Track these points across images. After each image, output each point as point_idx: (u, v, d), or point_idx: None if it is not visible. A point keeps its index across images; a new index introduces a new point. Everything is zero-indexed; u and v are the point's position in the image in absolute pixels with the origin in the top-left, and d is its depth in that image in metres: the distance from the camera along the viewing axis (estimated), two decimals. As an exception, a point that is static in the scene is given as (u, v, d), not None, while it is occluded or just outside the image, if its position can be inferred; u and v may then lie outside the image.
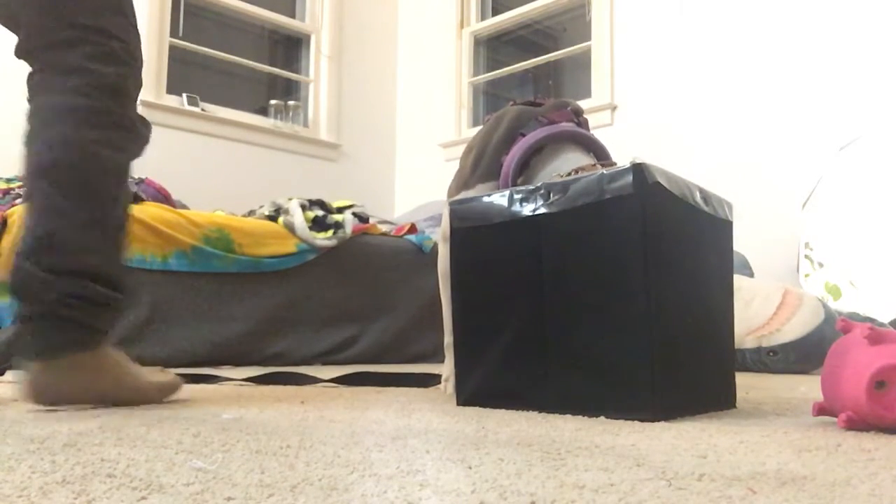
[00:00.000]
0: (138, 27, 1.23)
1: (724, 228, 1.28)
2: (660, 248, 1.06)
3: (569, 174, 1.26)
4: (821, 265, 2.85)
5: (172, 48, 3.96)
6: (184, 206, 2.88)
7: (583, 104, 3.81)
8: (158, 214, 2.39)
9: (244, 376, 1.76)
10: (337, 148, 4.63)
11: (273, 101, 4.42)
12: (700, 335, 1.17)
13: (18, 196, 2.50)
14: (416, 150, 4.83)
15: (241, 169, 4.16)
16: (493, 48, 4.76)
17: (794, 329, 2.41)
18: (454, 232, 1.28)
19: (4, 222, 2.24)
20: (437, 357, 2.85)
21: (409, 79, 4.94)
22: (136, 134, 1.20)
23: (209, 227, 2.47)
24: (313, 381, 1.67)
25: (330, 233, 2.75)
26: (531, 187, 1.17)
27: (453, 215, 1.28)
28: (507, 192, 1.20)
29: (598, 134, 3.58)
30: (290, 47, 4.73)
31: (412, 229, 3.16)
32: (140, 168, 3.59)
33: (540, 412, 1.13)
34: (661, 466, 0.69)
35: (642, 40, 3.73)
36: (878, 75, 2.96)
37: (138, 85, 1.21)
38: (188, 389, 1.50)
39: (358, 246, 2.81)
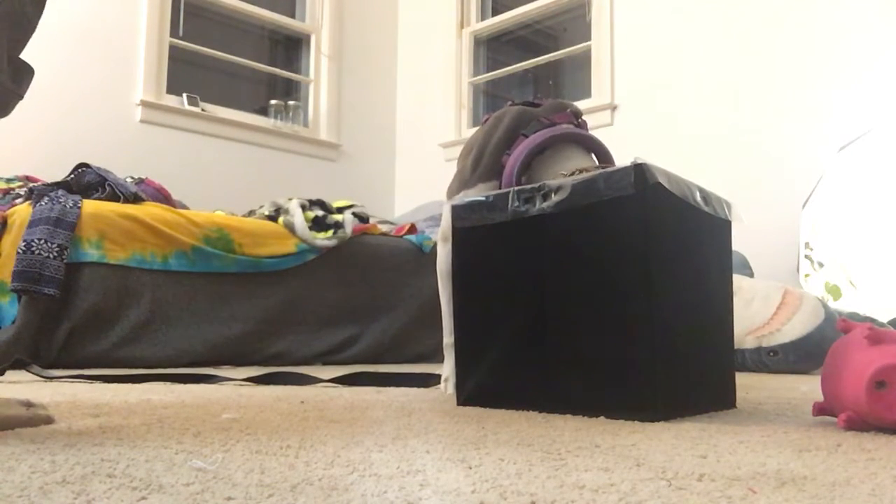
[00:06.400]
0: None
1: (723, 228, 1.28)
2: (660, 248, 1.06)
3: (572, 174, 1.26)
4: (821, 265, 2.85)
5: (172, 48, 3.96)
6: (184, 206, 2.88)
7: (583, 104, 3.81)
8: (158, 214, 2.39)
9: (244, 376, 1.76)
10: (337, 148, 4.63)
11: (273, 101, 4.42)
12: (700, 335, 1.17)
13: (18, 196, 2.50)
14: (416, 150, 4.82)
15: (241, 169, 4.16)
16: (493, 48, 4.76)
17: (794, 329, 2.41)
18: (455, 232, 1.28)
19: (4, 222, 2.24)
20: (437, 357, 2.85)
21: (409, 79, 4.94)
22: None
23: (209, 227, 2.47)
24: (313, 381, 1.67)
25: (330, 233, 2.75)
26: (532, 186, 1.17)
27: (454, 215, 1.27)
28: (508, 192, 1.20)
29: (598, 134, 3.58)
30: (290, 47, 4.73)
31: (412, 229, 3.16)
32: (140, 168, 3.60)
33: (540, 412, 1.13)
34: (661, 466, 0.69)
35: (642, 40, 3.73)
36: (877, 75, 2.96)
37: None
38: (188, 389, 1.50)
39: (358, 246, 2.81)
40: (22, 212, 2.23)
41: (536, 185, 1.17)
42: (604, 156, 1.43)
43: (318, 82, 4.62)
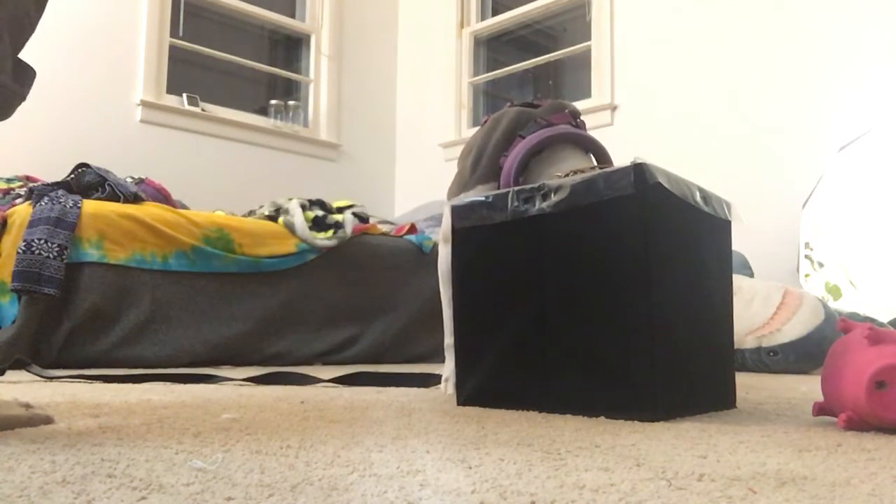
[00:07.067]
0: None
1: (723, 228, 1.28)
2: (660, 248, 1.06)
3: (567, 175, 1.26)
4: (821, 265, 2.85)
5: (172, 48, 3.96)
6: (184, 206, 2.88)
7: (583, 104, 3.81)
8: (158, 214, 2.39)
9: (244, 376, 1.76)
10: (337, 148, 4.63)
11: (273, 101, 4.42)
12: (700, 335, 1.17)
13: (18, 196, 2.50)
14: (416, 150, 4.82)
15: (241, 169, 4.16)
16: (493, 48, 4.76)
17: (794, 329, 2.41)
18: (455, 232, 1.28)
19: (4, 222, 2.24)
20: (437, 357, 2.85)
21: (409, 79, 4.94)
22: None
23: (209, 227, 2.47)
24: (313, 381, 1.67)
25: (330, 233, 2.75)
26: (532, 187, 1.17)
27: (454, 215, 1.28)
28: (507, 193, 1.20)
29: (598, 134, 3.59)
30: (290, 47, 4.73)
31: (412, 229, 3.16)
32: (140, 168, 3.60)
33: (540, 412, 1.13)
34: (661, 466, 0.69)
35: (642, 40, 3.73)
36: (877, 75, 2.96)
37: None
38: (188, 389, 1.50)
39: (358, 246, 2.81)
40: (22, 212, 2.23)
41: (536, 185, 1.17)
42: (602, 156, 1.43)
43: (318, 82, 4.62)
